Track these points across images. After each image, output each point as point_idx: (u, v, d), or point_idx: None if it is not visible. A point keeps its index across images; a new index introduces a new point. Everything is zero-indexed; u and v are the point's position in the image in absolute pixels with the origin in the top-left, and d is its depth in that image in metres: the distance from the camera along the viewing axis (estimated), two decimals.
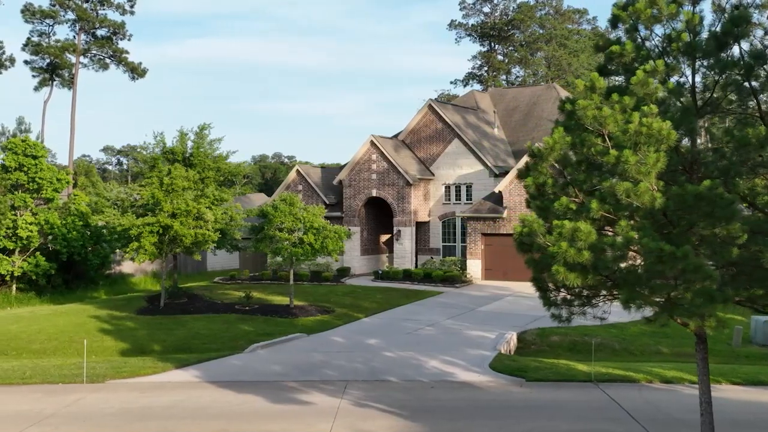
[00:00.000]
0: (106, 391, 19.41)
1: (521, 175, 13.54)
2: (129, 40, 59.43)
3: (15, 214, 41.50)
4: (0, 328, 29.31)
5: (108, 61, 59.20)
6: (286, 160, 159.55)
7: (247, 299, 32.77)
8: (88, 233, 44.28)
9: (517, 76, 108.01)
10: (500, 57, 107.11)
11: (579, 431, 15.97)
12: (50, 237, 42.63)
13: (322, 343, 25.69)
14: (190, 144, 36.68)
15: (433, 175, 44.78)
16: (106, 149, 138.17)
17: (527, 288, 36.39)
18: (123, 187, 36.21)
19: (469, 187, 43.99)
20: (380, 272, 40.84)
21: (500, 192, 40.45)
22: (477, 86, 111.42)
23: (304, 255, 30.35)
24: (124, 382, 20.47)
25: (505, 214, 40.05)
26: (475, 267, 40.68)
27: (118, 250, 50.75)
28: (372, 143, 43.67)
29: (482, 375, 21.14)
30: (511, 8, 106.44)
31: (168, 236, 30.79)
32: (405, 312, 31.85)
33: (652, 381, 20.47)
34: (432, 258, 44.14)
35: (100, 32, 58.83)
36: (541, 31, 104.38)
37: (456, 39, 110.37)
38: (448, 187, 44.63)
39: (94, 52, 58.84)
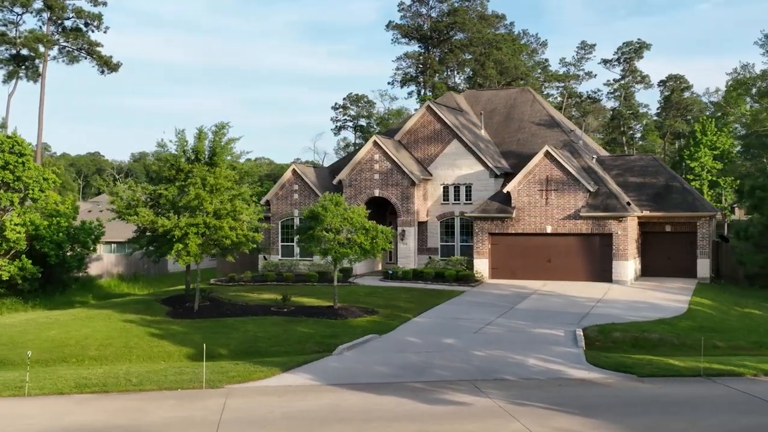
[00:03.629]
0: (237, 396, 18.63)
1: None
2: (105, 32, 56.69)
3: (1, 215, 39.18)
4: (39, 335, 27.63)
5: (76, 53, 56.18)
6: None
7: (283, 301, 32.06)
8: (69, 234, 42.37)
9: (454, 79, 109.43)
10: (425, 59, 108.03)
11: (757, 425, 16.33)
12: (36, 239, 40.46)
13: (401, 344, 25.48)
14: (206, 143, 35.50)
15: (431, 175, 45.00)
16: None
17: (540, 285, 37.75)
18: (136, 186, 34.59)
19: (468, 187, 44.42)
20: (390, 272, 40.70)
21: (508, 192, 41.07)
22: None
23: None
24: (245, 387, 19.73)
25: (514, 214, 40.70)
26: (482, 266, 41.15)
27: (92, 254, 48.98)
28: (375, 143, 43.52)
29: (590, 372, 21.46)
30: (444, 10, 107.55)
31: (212, 237, 29.74)
32: (447, 311, 31.90)
33: (757, 375, 21.28)
34: (430, 257, 44.33)
35: (69, 23, 55.84)
36: (462, 36, 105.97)
37: (393, 40, 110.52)
38: (446, 188, 44.94)
39: (64, 44, 55.76)
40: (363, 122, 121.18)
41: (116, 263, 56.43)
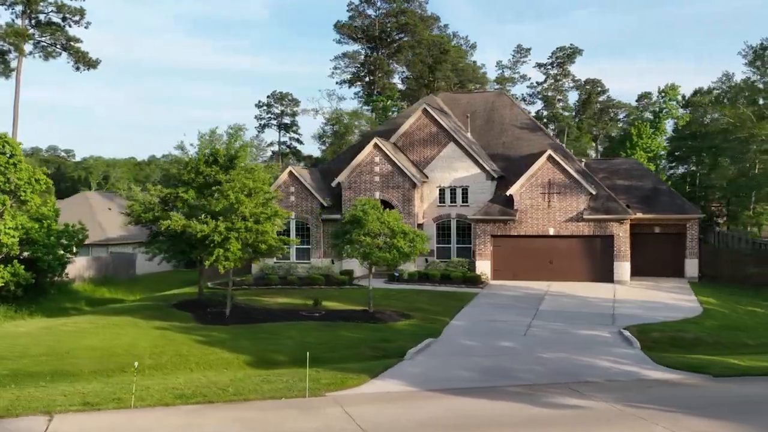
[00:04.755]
0: (350, 404, 18.36)
1: None
2: (86, 27, 54.26)
3: None
4: (76, 344, 26.53)
5: (51, 48, 53.63)
6: (63, 153, 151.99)
7: (314, 305, 31.75)
8: (57, 238, 40.87)
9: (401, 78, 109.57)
10: (365, 59, 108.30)
11: None
12: (28, 243, 38.81)
13: (461, 348, 25.62)
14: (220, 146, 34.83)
15: (427, 177, 45.27)
16: None
17: (546, 286, 38.55)
18: (154, 190, 33.63)
19: (465, 189, 44.90)
20: (396, 274, 40.78)
21: (509, 195, 41.73)
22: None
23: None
24: (347, 394, 19.48)
25: (516, 217, 41.38)
26: (484, 267, 41.70)
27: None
28: (375, 145, 43.49)
29: (665, 372, 22.05)
30: (390, 10, 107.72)
31: (248, 242, 29.20)
32: (476, 314, 32.19)
33: None
34: (427, 259, 44.59)
35: (45, 17, 53.27)
36: (410, 38, 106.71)
37: (340, 39, 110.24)
38: (442, 190, 45.29)
39: (39, 38, 53.16)
40: (287, 120, 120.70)
41: (88, 267, 54.51)
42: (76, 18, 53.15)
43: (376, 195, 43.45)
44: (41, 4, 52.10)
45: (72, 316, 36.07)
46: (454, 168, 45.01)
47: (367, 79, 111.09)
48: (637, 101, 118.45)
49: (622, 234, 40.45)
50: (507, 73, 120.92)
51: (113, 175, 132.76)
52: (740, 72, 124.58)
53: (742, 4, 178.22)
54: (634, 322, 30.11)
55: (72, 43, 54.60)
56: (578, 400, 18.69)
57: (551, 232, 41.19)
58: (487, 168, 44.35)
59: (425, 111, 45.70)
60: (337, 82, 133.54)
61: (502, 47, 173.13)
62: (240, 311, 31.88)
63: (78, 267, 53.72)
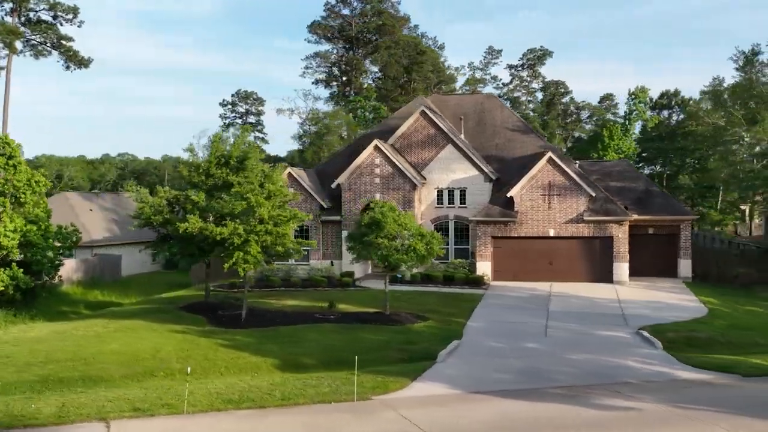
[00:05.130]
0: (402, 407, 18.40)
1: None
2: (79, 26, 53.15)
3: None
4: (99, 348, 26.16)
5: (41, 47, 52.44)
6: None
7: (329, 308, 31.73)
8: (52, 241, 40.25)
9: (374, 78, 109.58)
10: (339, 59, 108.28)
11: None
12: (26, 246, 38.14)
13: (489, 349, 25.81)
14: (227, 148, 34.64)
15: (425, 179, 45.46)
16: None
17: (548, 287, 39.00)
18: (165, 192, 33.32)
19: (463, 191, 45.21)
20: (399, 276, 40.89)
21: (509, 197, 42.10)
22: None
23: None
24: (395, 398, 19.52)
25: (517, 219, 41.78)
26: (485, 268, 42.01)
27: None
28: (376, 147, 43.56)
29: (697, 373, 22.49)
30: (366, 10, 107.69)
31: (266, 244, 29.09)
32: (490, 315, 32.45)
33: None
34: None
35: (37, 14, 52.07)
36: (388, 38, 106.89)
37: (315, 40, 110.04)
38: (440, 192, 45.53)
39: (29, 37, 51.90)
40: (252, 119, 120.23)
41: (76, 269, 53.65)
42: (69, 16, 52.23)
43: (376, 196, 43.51)
44: (32, 1, 51.04)
45: (75, 320, 35.56)
46: (452, 169, 45.27)
47: (344, 78, 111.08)
48: (599, 102, 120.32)
49: (621, 235, 41.11)
50: (478, 74, 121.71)
51: (66, 174, 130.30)
52: (729, 76, 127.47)
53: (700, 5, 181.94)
54: (647, 323, 30.63)
55: (63, 42, 53.59)
56: (623, 401, 18.99)
57: (551, 233, 41.67)
58: (485, 170, 44.70)
59: (423, 113, 45.88)
60: (312, 82, 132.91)
61: (463, 49, 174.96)
62: (254, 314, 31.71)
63: (66, 269, 52.77)
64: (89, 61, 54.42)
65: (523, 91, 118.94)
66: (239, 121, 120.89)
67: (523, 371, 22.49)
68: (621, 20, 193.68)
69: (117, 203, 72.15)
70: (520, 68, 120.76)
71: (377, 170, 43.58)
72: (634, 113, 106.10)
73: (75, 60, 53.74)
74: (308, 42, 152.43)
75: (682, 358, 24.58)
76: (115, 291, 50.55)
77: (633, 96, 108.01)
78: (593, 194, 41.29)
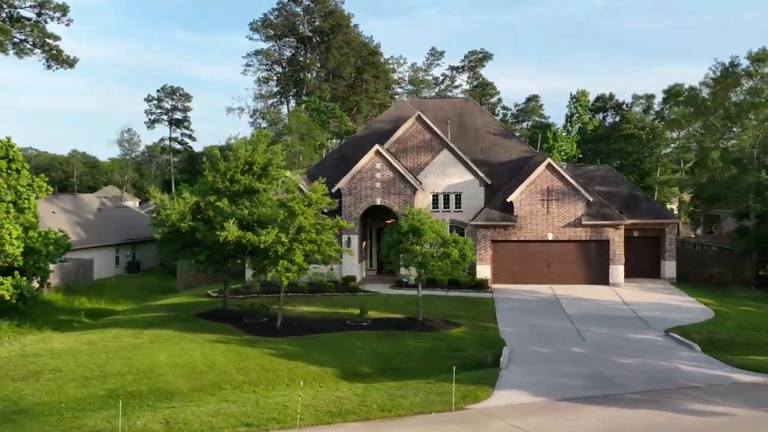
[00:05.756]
0: (506, 417, 18.91)
1: None
2: (67, 25, 51.01)
3: None
4: (149, 360, 25.72)
5: (23, 45, 50.24)
6: None
7: (360, 314, 31.92)
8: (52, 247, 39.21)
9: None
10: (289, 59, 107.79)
11: None
12: (29, 253, 37.04)
13: (539, 355, 26.47)
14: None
15: (421, 183, 46.00)
16: None
17: (548, 289, 40.14)
18: (190, 198, 32.84)
19: (458, 195, 45.94)
20: (405, 280, 41.32)
21: (509, 201, 43.04)
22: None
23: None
24: (487, 407, 19.98)
25: (517, 223, 42.77)
26: (485, 272, 42.84)
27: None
28: (377, 152, 43.84)
29: (748, 374, 23.74)
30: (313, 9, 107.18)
31: (309, 252, 29.11)
32: (514, 320, 33.09)
33: None
34: None
35: (15, 12, 49.82)
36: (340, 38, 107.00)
37: (260, 38, 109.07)
38: (436, 196, 46.14)
39: (13, 35, 49.66)
40: (179, 116, 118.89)
41: (54, 275, 52.05)
42: (57, 14, 50.34)
43: (377, 201, 43.83)
44: None
45: (86, 329, 34.41)
46: (447, 174, 45.95)
47: (294, 77, 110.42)
48: (525, 103, 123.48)
49: (617, 239, 42.59)
50: (421, 75, 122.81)
51: None
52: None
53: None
54: (667, 325, 31.96)
55: (48, 41, 51.65)
56: (707, 406, 19.96)
57: (550, 237, 42.82)
58: (480, 175, 45.54)
59: (419, 118, 46.40)
60: (255, 81, 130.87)
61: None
62: (288, 323, 31.58)
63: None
64: (74, 61, 52.70)
65: (456, 91, 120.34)
66: (165, 117, 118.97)
67: (589, 377, 23.25)
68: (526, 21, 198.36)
69: (76, 205, 70.30)
70: (461, 70, 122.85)
71: (378, 175, 43.88)
72: (575, 116, 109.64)
73: (59, 59, 51.92)
74: (250, 39, 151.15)
75: (724, 359, 25.85)
76: (96, 297, 49.24)
77: (574, 99, 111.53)
78: (590, 199, 42.62)
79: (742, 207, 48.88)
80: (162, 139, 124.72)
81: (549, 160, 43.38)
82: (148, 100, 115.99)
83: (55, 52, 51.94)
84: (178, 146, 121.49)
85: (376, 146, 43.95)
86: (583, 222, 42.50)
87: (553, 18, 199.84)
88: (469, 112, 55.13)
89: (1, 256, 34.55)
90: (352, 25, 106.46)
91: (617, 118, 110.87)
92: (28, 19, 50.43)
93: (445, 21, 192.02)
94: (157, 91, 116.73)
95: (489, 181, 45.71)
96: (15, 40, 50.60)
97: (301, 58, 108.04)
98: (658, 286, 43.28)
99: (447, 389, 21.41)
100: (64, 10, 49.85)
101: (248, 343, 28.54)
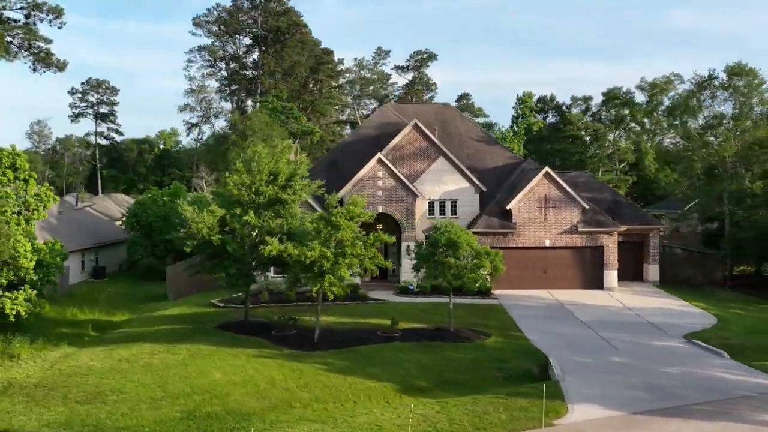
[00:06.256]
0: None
1: None
2: (60, 28, 48.91)
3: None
4: (207, 378, 25.63)
5: (10, 47, 48.11)
6: None
7: (392, 325, 32.37)
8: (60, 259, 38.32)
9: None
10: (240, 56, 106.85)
11: None
12: (40, 266, 36.09)
13: (582, 366, 27.38)
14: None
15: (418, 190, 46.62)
16: None
17: (547, 294, 41.49)
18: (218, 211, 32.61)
19: (454, 202, 46.74)
20: (411, 288, 41.89)
21: (509, 209, 44.12)
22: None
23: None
24: (572, 423, 20.78)
25: (516, 230, 43.91)
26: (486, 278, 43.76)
27: None
28: (379, 160, 44.24)
29: None
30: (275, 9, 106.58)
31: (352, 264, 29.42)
32: (534, 327, 34.16)
33: None
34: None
35: (12, 13, 47.66)
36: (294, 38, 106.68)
37: (207, 33, 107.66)
38: (432, 203, 46.82)
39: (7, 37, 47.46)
40: (105, 110, 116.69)
41: None
42: (50, 17, 48.42)
43: (379, 209, 44.24)
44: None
45: (112, 344, 33.03)
46: (443, 181, 46.69)
47: (244, 76, 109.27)
48: (456, 102, 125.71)
49: (611, 245, 44.22)
50: (367, 73, 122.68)
51: None
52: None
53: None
54: (681, 331, 33.58)
55: (37, 43, 49.65)
56: None
57: (547, 243, 44.12)
58: (476, 182, 46.47)
59: (416, 126, 46.96)
60: (201, 76, 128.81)
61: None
62: (320, 335, 31.73)
63: None
64: (64, 65, 50.92)
65: (390, 89, 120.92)
66: (90, 111, 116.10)
67: (645, 388, 24.31)
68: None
69: None
70: (406, 69, 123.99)
71: (380, 183, 44.32)
72: (521, 117, 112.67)
73: (46, 62, 50.02)
74: (193, 35, 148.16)
75: (755, 366, 27.37)
76: (87, 306, 47.69)
77: (520, 101, 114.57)
78: (586, 207, 44.10)
79: (714, 213, 51.24)
80: (88, 134, 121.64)
81: (546, 168, 44.66)
82: (72, 93, 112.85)
83: (43, 54, 50.17)
84: (104, 141, 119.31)
85: (378, 155, 44.36)
86: (579, 229, 43.95)
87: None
88: (450, 118, 56.01)
89: (11, 269, 33.46)
90: (305, 24, 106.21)
91: (557, 119, 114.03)
92: (15, 20, 48.59)
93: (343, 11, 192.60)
94: (82, 83, 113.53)
95: (484, 189, 46.65)
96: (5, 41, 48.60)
97: (252, 57, 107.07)
98: (647, 290, 45.12)
99: (523, 404, 22.24)
100: (58, 12, 48.00)
101: (293, 358, 28.67)
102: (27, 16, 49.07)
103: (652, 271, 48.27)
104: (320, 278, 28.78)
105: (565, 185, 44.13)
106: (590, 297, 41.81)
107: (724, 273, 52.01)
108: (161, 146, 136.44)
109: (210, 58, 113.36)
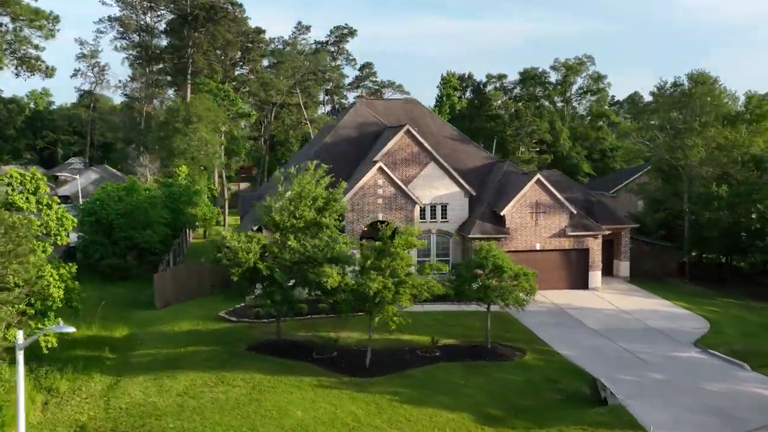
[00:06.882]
0: None
1: None
2: (53, 36, 45.54)
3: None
4: (295, 420, 26.19)
5: None
6: None
7: (433, 344, 33.60)
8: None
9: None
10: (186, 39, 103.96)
11: None
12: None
13: (632, 385, 29.49)
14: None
15: None
16: None
17: (540, 297, 43.49)
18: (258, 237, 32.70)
19: (444, 206, 48.12)
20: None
21: (503, 215, 45.95)
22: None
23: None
24: None
25: (509, 234, 45.84)
26: None
27: None
28: (380, 169, 44.92)
29: None
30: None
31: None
32: (556, 338, 36.16)
33: None
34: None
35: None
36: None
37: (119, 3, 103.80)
38: (423, 208, 47.99)
39: None
40: None
41: None
42: (38, 23, 45.37)
43: (379, 216, 45.07)
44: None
45: (147, 373, 31.89)
46: (434, 186, 47.90)
47: (171, 55, 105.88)
48: (359, 71, 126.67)
49: (596, 247, 46.88)
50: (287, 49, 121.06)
51: None
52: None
53: None
54: (687, 338, 36.58)
55: (33, 50, 46.53)
56: None
57: (537, 246, 46.32)
58: (467, 187, 47.96)
59: (408, 131, 47.76)
60: (114, 49, 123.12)
61: None
62: (352, 354, 32.59)
63: None
64: (53, 71, 48.06)
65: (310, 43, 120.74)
66: None
67: (713, 412, 26.48)
68: None
69: None
70: (327, 44, 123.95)
71: (380, 191, 45.09)
72: (446, 97, 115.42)
73: (33, 67, 47.08)
74: (103, 4, 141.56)
75: None
76: (85, 322, 45.93)
77: (444, 81, 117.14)
78: (574, 212, 46.45)
79: (676, 211, 54.85)
80: None
81: (538, 175, 46.62)
82: None
83: (28, 60, 47.35)
84: None
85: (379, 163, 45.05)
86: (567, 233, 46.33)
87: None
88: (419, 115, 57.01)
89: (38, 299, 32.51)
90: (238, 3, 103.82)
91: (473, 97, 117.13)
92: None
93: None
94: None
95: (474, 193, 48.20)
96: None
97: (181, 36, 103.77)
98: (624, 287, 48.35)
99: None
100: (55, 20, 45.09)
101: (356, 387, 29.34)
102: (13, 20, 46.02)
103: (623, 267, 51.41)
104: (379, 308, 29.64)
105: (555, 191, 46.29)
106: (581, 298, 44.37)
107: (679, 263, 55.80)
108: (32, 106, 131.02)
109: (123, 30, 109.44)
